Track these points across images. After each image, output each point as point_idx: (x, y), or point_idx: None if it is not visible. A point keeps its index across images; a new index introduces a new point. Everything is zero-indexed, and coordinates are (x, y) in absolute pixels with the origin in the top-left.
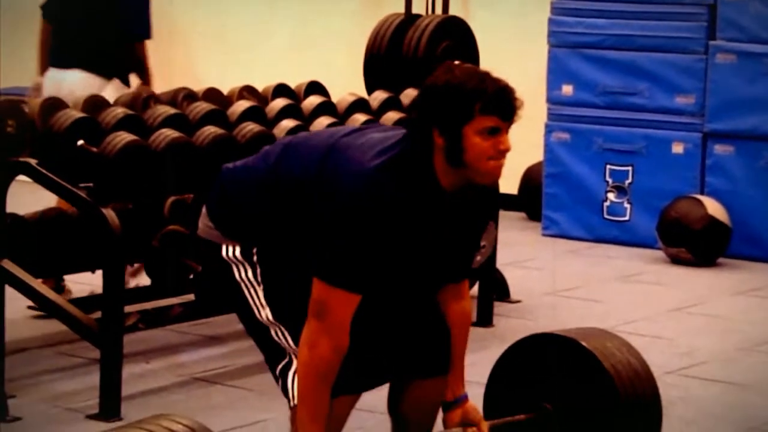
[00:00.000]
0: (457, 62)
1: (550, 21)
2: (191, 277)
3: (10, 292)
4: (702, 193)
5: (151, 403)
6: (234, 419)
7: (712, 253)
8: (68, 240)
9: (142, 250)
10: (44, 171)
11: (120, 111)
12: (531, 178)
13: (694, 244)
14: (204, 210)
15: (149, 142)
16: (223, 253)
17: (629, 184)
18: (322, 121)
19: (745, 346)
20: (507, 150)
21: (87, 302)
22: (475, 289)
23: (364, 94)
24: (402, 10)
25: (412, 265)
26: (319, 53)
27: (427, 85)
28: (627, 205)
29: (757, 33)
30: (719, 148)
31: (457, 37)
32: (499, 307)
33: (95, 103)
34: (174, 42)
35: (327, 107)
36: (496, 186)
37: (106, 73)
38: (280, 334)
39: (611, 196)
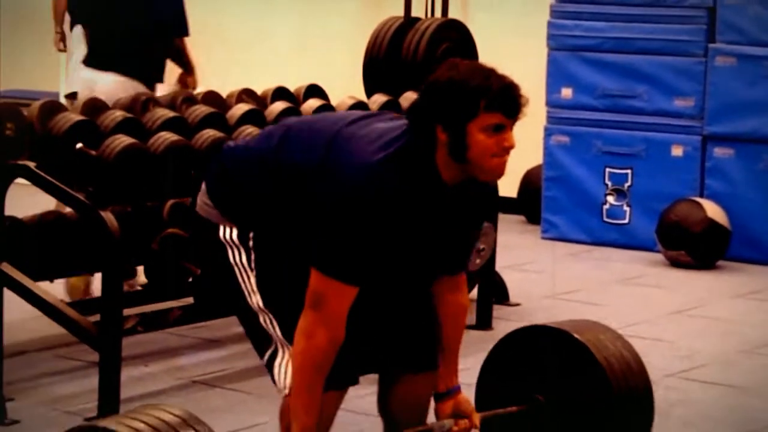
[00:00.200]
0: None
1: (550, 24)
2: (190, 280)
3: (8, 295)
4: (701, 195)
5: None
6: (233, 422)
7: (711, 256)
8: (67, 243)
9: (141, 253)
10: (43, 174)
11: (119, 114)
12: (530, 181)
13: (694, 247)
14: (203, 187)
15: (148, 145)
16: (220, 234)
17: (629, 187)
18: None
19: (745, 348)
20: (511, 147)
21: (86, 305)
22: (474, 292)
23: (363, 97)
24: (401, 12)
25: (410, 258)
26: (318, 56)
27: (431, 82)
28: (626, 208)
29: (756, 36)
30: (719, 151)
31: (456, 40)
32: (498, 310)
33: (94, 106)
34: None
35: (326, 110)
36: (495, 183)
37: (140, 76)
38: (268, 321)
39: (611, 199)
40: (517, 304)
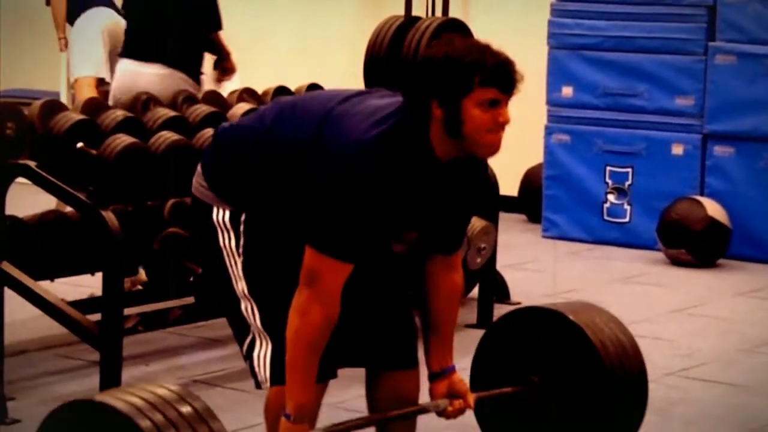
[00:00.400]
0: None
1: (550, 23)
2: (191, 279)
3: (9, 294)
4: (702, 194)
5: None
6: (233, 422)
7: (712, 255)
8: (68, 242)
9: (142, 252)
10: (44, 173)
11: (120, 113)
12: (531, 180)
13: (694, 246)
14: (199, 168)
15: (149, 145)
16: (213, 216)
17: (629, 185)
18: None
19: (746, 347)
20: (506, 122)
21: (86, 304)
22: (474, 291)
23: None
24: (402, 12)
25: (404, 234)
26: (319, 55)
27: (426, 57)
28: (627, 207)
29: (756, 34)
30: (719, 150)
31: None
32: (499, 309)
33: (95, 106)
34: None
35: None
36: (486, 166)
37: (184, 68)
38: (249, 309)
39: (611, 197)
40: (518, 303)
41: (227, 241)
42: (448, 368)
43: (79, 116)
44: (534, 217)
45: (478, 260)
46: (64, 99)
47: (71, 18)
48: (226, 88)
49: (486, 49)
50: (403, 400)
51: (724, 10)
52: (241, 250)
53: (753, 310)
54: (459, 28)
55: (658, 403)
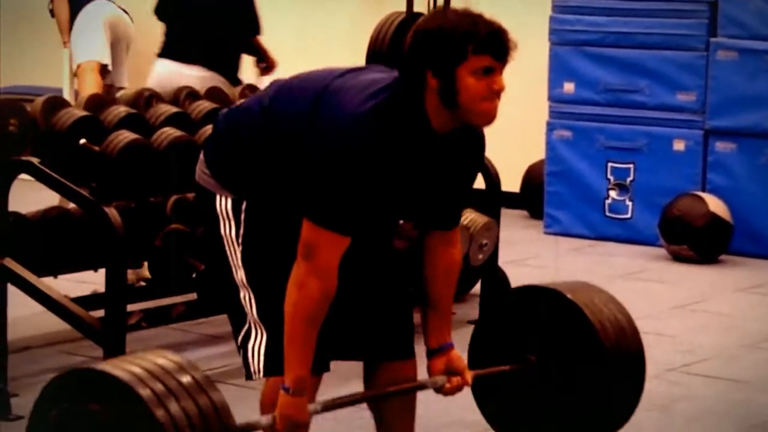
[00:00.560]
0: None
1: (552, 19)
2: (194, 275)
3: (12, 291)
4: (703, 190)
5: None
6: (236, 418)
7: (714, 251)
8: (71, 239)
9: (145, 248)
10: (46, 170)
11: (122, 110)
12: (533, 177)
13: (696, 242)
14: (201, 156)
15: (151, 141)
16: (216, 204)
17: (631, 181)
18: None
19: (748, 343)
20: (501, 90)
21: (90, 301)
22: (476, 288)
23: None
24: (403, 8)
25: (401, 208)
26: (320, 51)
27: (419, 29)
28: (629, 203)
29: (758, 30)
30: (720, 145)
31: None
32: None
33: (97, 102)
34: None
35: None
36: (482, 137)
37: (224, 72)
38: (247, 298)
39: (613, 193)
40: None
41: (228, 230)
42: (446, 345)
43: (81, 112)
44: (536, 213)
45: (480, 256)
46: (66, 95)
47: (74, 17)
48: (265, 83)
49: (479, 18)
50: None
51: (726, 6)
52: (240, 240)
53: (755, 305)
54: None
55: (659, 399)
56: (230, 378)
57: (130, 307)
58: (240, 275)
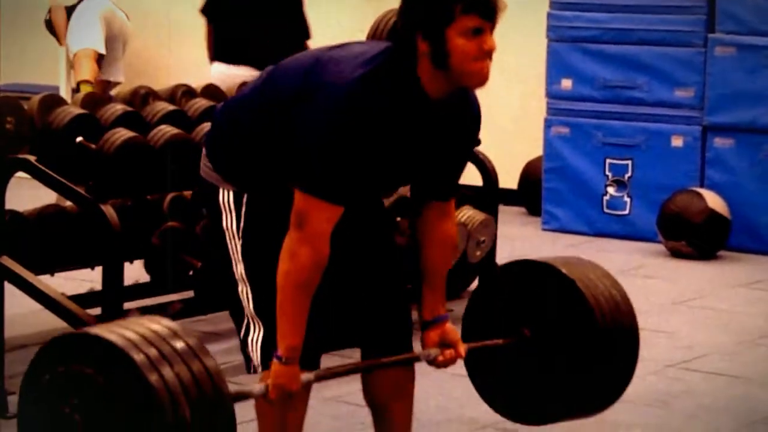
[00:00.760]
0: None
1: (549, 15)
2: (191, 273)
3: (9, 288)
4: (702, 186)
5: None
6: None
7: (712, 247)
8: (67, 236)
9: (142, 246)
10: (43, 168)
11: (119, 108)
12: (531, 173)
13: (695, 238)
14: (204, 150)
15: (148, 139)
16: (219, 197)
17: (629, 177)
18: None
19: (746, 339)
20: (491, 49)
21: (86, 299)
22: (474, 285)
23: None
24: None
25: (396, 177)
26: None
27: None
28: (627, 199)
29: (756, 25)
30: (719, 141)
31: None
32: None
33: (94, 100)
34: (173, 38)
35: None
36: (478, 106)
37: None
38: (245, 292)
39: (611, 190)
40: None
41: (229, 223)
42: (441, 317)
43: (78, 110)
44: (534, 209)
45: (478, 253)
46: (63, 93)
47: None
48: None
49: None
50: (400, 386)
51: (724, 2)
52: (240, 233)
53: (753, 301)
54: None
55: (659, 395)
56: (228, 375)
57: (127, 305)
58: (240, 269)
